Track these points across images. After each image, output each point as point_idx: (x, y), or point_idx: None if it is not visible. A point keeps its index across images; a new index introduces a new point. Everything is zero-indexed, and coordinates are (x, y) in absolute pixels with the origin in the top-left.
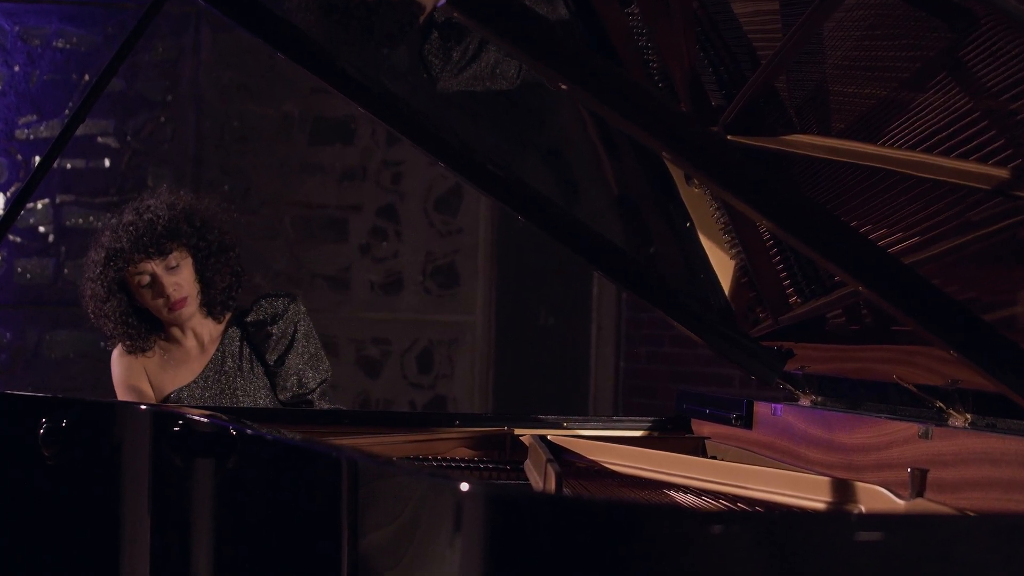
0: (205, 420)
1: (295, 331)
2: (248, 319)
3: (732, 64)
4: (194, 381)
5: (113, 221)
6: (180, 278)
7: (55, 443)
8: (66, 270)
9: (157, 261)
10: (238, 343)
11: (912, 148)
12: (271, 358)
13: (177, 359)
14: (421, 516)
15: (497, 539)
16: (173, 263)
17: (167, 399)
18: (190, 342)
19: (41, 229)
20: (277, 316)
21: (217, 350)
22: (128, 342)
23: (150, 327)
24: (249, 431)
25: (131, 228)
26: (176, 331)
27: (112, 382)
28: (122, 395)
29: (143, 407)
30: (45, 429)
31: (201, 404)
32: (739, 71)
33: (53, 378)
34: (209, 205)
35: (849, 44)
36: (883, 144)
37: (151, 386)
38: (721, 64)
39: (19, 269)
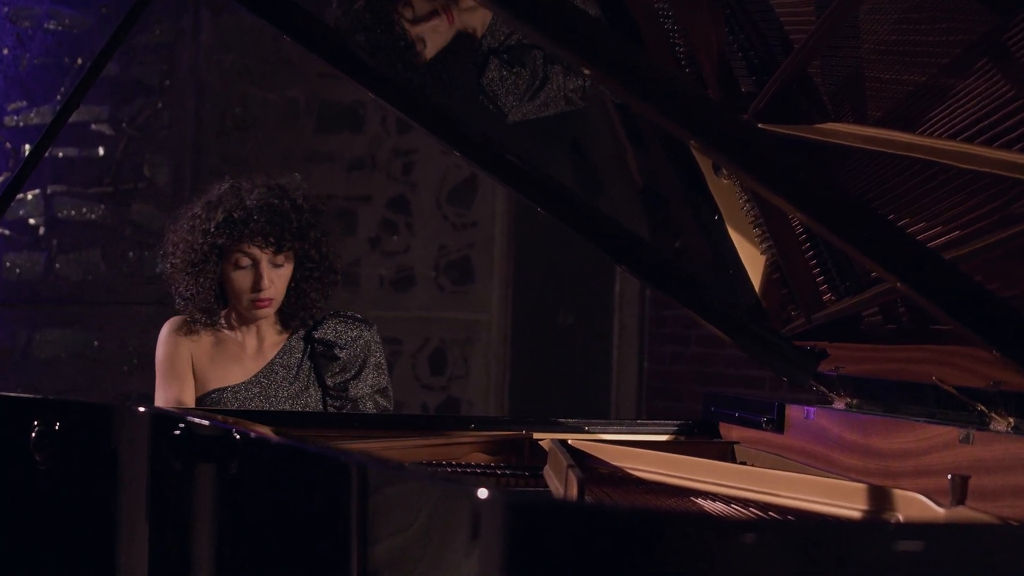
0: (207, 423)
1: (365, 360)
2: (316, 335)
3: (763, 49)
4: (242, 384)
5: (245, 184)
6: (278, 278)
7: (48, 447)
8: (58, 264)
9: (269, 252)
10: (299, 356)
11: (952, 137)
12: (332, 381)
13: (230, 355)
14: (435, 524)
15: (517, 549)
16: (280, 261)
17: (207, 396)
18: (250, 341)
19: (31, 221)
20: (349, 341)
21: (275, 359)
22: (198, 313)
23: (220, 307)
24: (253, 434)
25: (264, 209)
26: (240, 324)
27: (148, 364)
28: (163, 377)
29: (141, 409)
30: (37, 433)
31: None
32: (770, 56)
33: (43, 379)
34: (331, 227)
35: (886, 28)
36: (922, 133)
37: (195, 376)
38: (751, 48)
39: (8, 263)
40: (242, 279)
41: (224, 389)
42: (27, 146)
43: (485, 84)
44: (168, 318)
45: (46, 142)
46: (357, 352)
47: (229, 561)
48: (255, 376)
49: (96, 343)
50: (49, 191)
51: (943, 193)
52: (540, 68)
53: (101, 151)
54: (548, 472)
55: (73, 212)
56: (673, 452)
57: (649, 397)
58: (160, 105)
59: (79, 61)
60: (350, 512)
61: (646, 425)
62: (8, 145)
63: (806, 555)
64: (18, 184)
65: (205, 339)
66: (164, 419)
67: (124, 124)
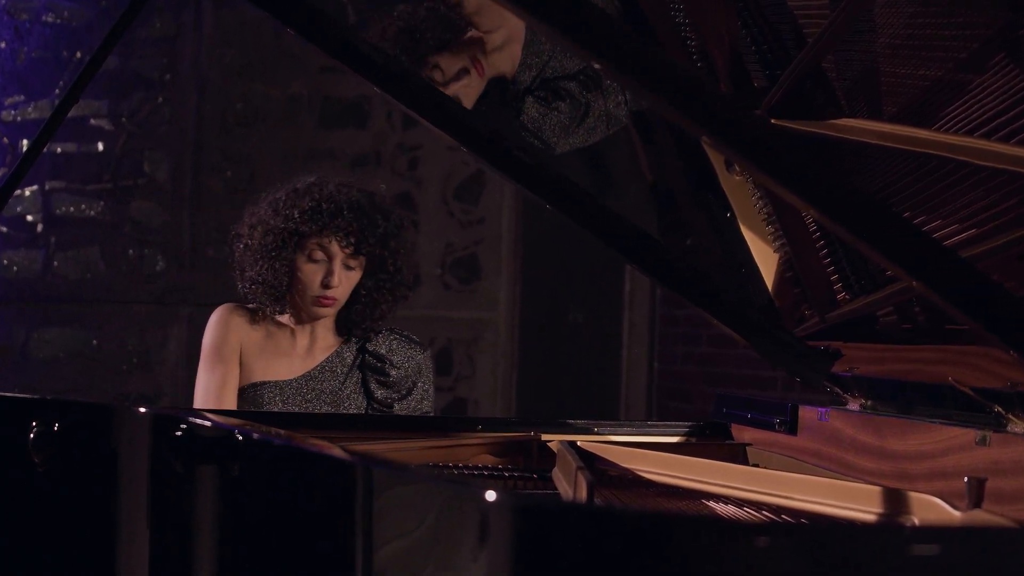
0: (208, 424)
1: (415, 384)
2: (369, 347)
3: (776, 43)
4: (285, 382)
5: (335, 181)
6: (347, 279)
7: (47, 448)
8: (56, 262)
9: (347, 251)
10: (348, 364)
11: (969, 133)
12: (379, 395)
13: (279, 350)
14: (442, 527)
15: (525, 552)
16: (353, 264)
17: (248, 388)
18: (302, 340)
19: (29, 218)
20: (403, 361)
21: (324, 362)
22: (266, 299)
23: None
24: (255, 435)
25: (354, 206)
26: (296, 320)
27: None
28: (208, 361)
29: (142, 409)
30: (36, 433)
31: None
32: (784, 50)
33: (41, 379)
34: (415, 240)
35: (901, 22)
36: (938, 129)
37: (240, 366)
38: (764, 42)
39: (5, 261)
40: (313, 273)
41: (267, 384)
42: (25, 141)
43: (527, 123)
44: (167, 318)
45: (44, 137)
46: (408, 373)
47: (231, 564)
48: (301, 376)
49: (95, 342)
50: (47, 187)
51: (959, 190)
52: (580, 97)
53: (100, 147)
54: (557, 474)
55: (72, 209)
56: (684, 454)
57: (659, 398)
58: (160, 100)
59: (78, 55)
60: (355, 514)
61: (656, 426)
62: (5, 140)
63: (819, 559)
64: (16, 180)
65: (257, 330)
66: (165, 420)
67: (124, 119)
